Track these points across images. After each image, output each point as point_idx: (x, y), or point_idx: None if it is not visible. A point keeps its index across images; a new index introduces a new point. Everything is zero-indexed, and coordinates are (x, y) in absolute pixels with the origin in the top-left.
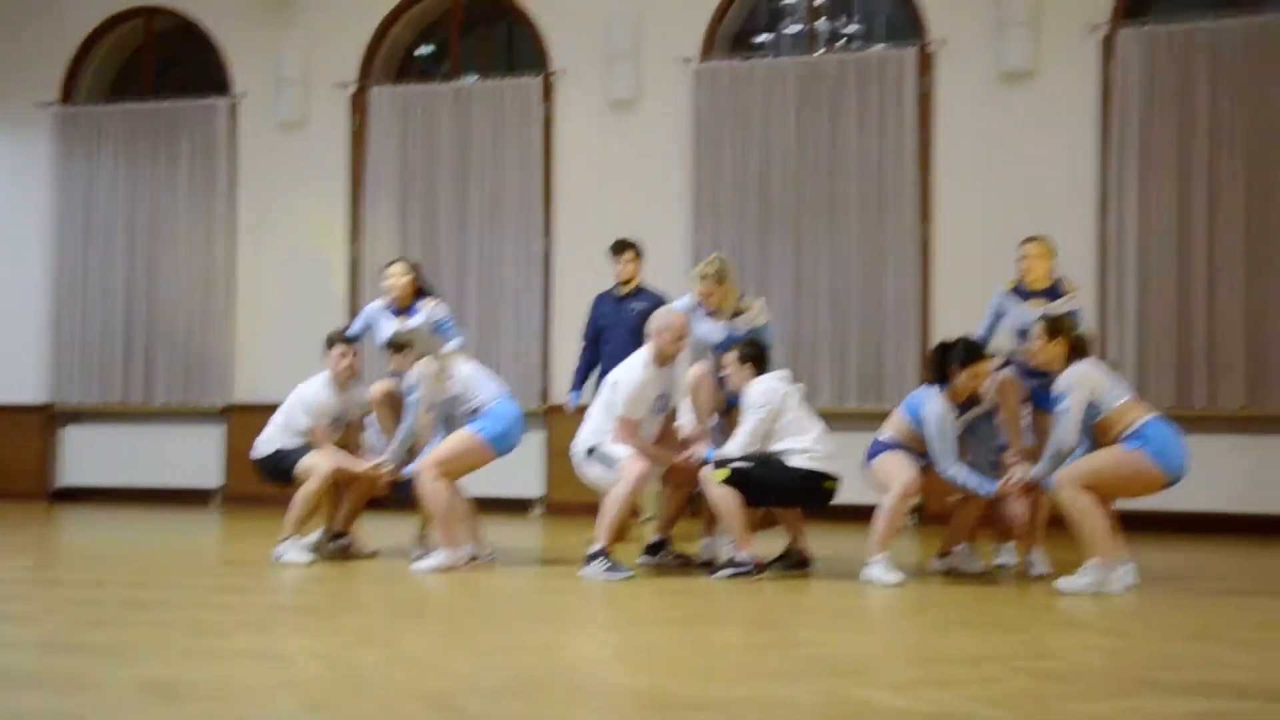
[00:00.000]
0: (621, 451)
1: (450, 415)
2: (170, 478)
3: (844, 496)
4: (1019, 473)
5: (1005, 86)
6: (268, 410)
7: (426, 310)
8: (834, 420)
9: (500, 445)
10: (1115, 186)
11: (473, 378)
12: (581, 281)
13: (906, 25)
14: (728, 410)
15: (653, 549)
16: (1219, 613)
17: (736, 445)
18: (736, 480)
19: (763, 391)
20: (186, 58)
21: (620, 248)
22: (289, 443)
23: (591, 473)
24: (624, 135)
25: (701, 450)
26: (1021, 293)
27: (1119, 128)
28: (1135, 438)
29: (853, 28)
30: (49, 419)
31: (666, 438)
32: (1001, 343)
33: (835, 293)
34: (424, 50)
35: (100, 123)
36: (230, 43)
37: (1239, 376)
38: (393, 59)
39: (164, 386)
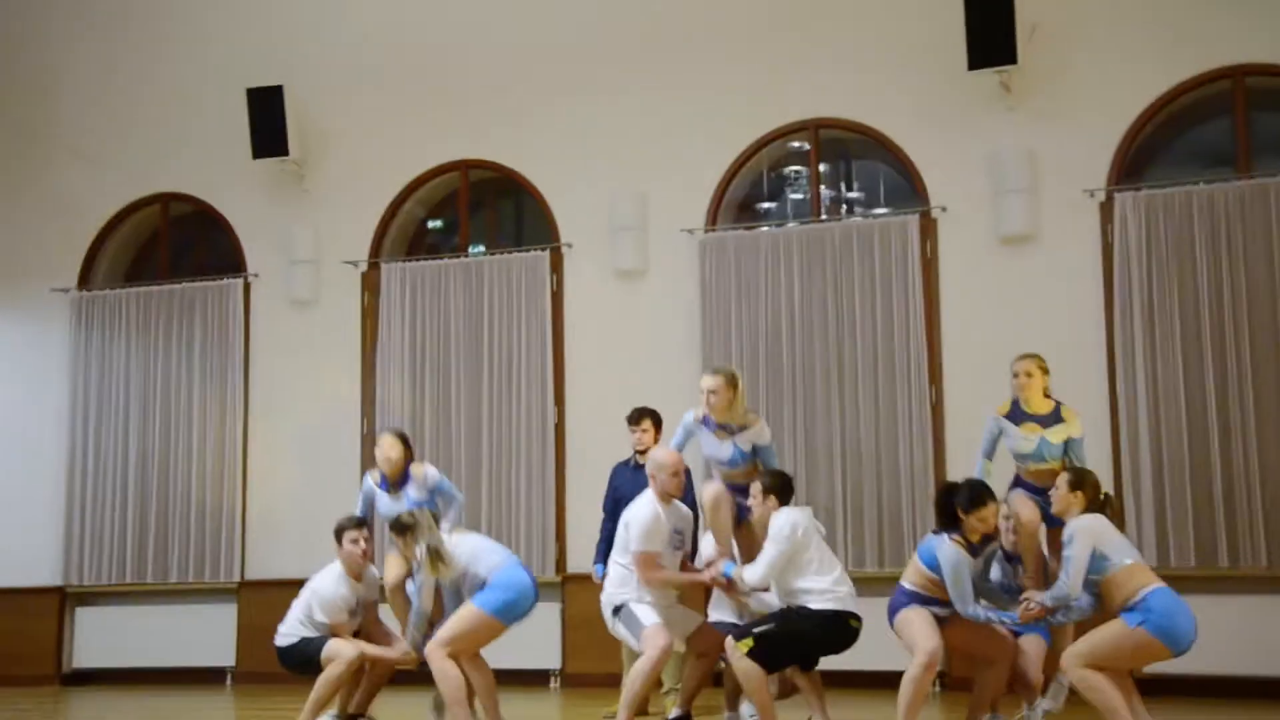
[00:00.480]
0: (647, 618)
1: (459, 590)
2: (184, 657)
3: (863, 662)
4: (1036, 597)
5: (1007, 250)
6: (280, 586)
7: (420, 478)
8: (868, 586)
9: (508, 615)
10: (1122, 347)
11: (475, 551)
12: (594, 450)
13: (908, 192)
14: (738, 523)
15: None
16: None
17: (758, 573)
18: (761, 646)
19: (787, 524)
20: (202, 241)
21: (638, 416)
22: (310, 632)
23: (618, 632)
24: (632, 305)
25: (721, 566)
26: (1017, 416)
27: (1121, 289)
28: (1138, 610)
29: (854, 194)
30: (62, 600)
31: (685, 571)
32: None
33: (848, 456)
34: (434, 225)
35: (116, 306)
36: (244, 225)
37: (1260, 535)
38: (403, 236)
39: (177, 565)
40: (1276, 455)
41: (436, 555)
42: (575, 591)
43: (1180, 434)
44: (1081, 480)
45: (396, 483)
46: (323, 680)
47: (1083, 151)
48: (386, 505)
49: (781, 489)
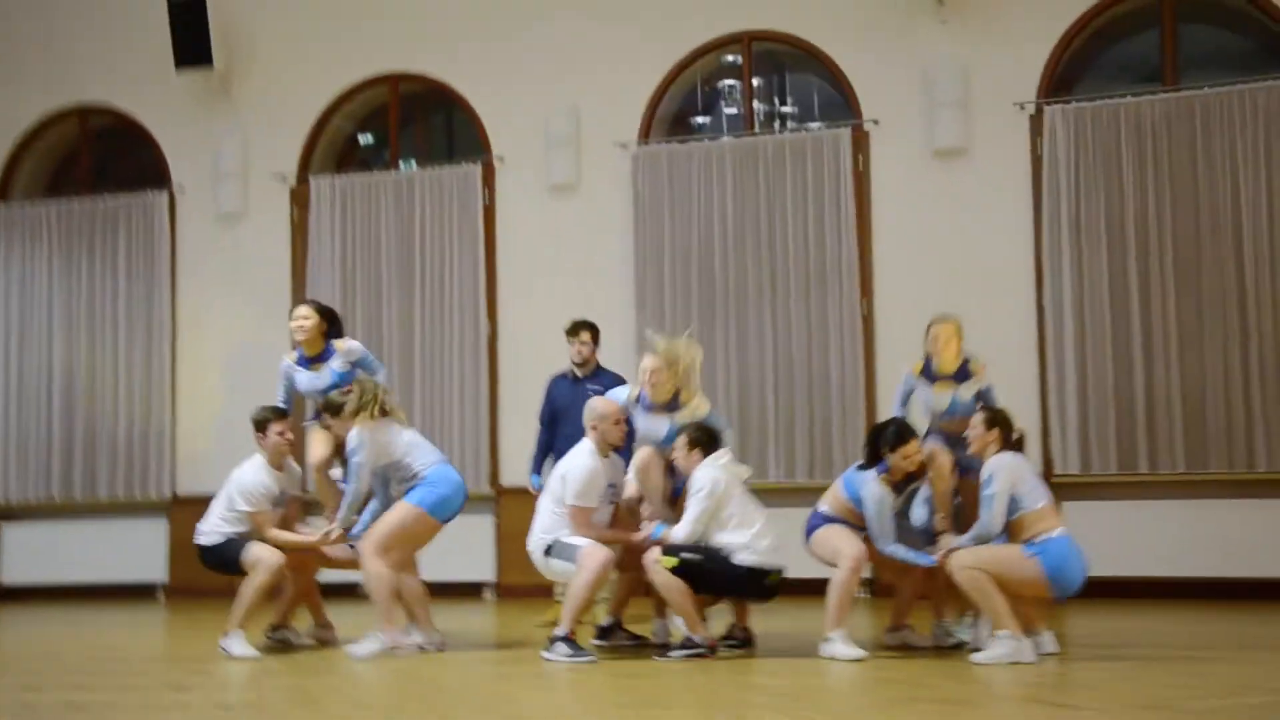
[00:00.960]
0: (580, 541)
1: (388, 480)
2: (114, 573)
3: (791, 572)
4: (947, 541)
5: (938, 163)
6: (211, 501)
7: (343, 353)
8: (783, 496)
9: (442, 513)
10: (1049, 258)
11: (412, 443)
12: (527, 363)
13: (841, 106)
14: (675, 498)
15: (605, 631)
16: (1168, 682)
17: (683, 532)
18: (683, 570)
19: (707, 480)
20: (125, 154)
21: (576, 329)
22: (232, 530)
23: (553, 568)
24: (565, 219)
25: (651, 527)
26: (930, 375)
27: (1050, 201)
28: (1038, 547)
29: (788, 108)
30: None
31: (618, 523)
32: (915, 420)
33: (780, 369)
34: (364, 140)
35: (37, 220)
36: (168, 137)
37: (1179, 442)
38: (333, 150)
39: (105, 481)
40: (1197, 364)
41: (385, 410)
42: (509, 504)
43: (1104, 343)
44: (996, 418)
45: (316, 357)
46: (246, 589)
47: (1013, 65)
48: (308, 381)
49: (706, 442)
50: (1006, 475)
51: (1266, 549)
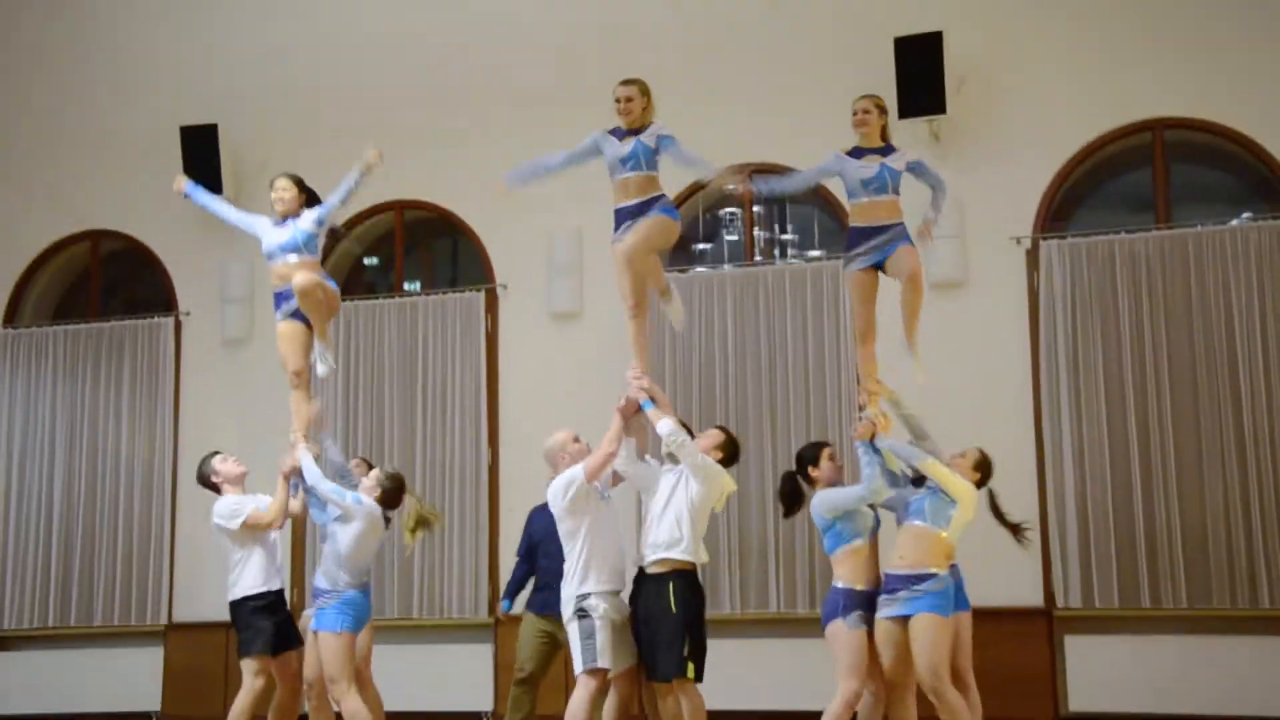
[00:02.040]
0: (600, 652)
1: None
2: (108, 702)
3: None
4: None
5: (935, 295)
6: (207, 629)
7: (309, 216)
8: (784, 626)
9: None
10: (1047, 391)
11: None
12: (527, 492)
13: (839, 235)
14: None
15: None
16: None
17: (668, 426)
18: (698, 661)
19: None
20: (133, 278)
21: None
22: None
23: (570, 633)
24: (566, 347)
25: (644, 398)
26: (858, 152)
27: (1046, 334)
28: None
29: (788, 236)
30: None
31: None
32: None
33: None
34: (370, 262)
35: (44, 344)
36: (176, 262)
37: (1180, 577)
38: (338, 275)
39: (102, 608)
40: (1197, 499)
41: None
42: (508, 634)
43: (1104, 477)
44: (987, 465)
45: (287, 218)
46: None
47: (1009, 199)
48: (274, 237)
49: (729, 453)
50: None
51: (1270, 686)
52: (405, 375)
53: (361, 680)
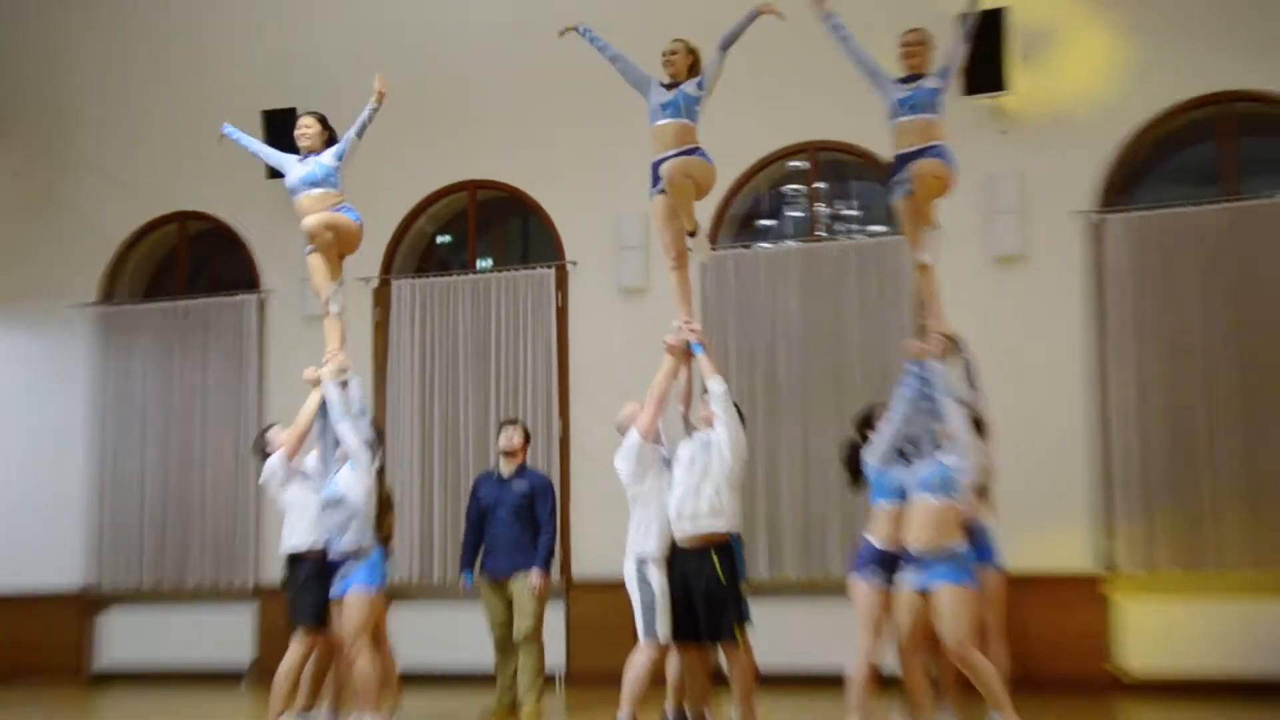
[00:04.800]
0: (660, 623)
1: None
2: (204, 657)
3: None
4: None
5: (998, 270)
6: None
7: (330, 152)
8: (846, 592)
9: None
10: (1113, 363)
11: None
12: (597, 461)
13: None
14: None
15: None
16: None
17: (718, 380)
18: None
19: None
20: (218, 258)
21: (508, 421)
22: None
23: (630, 587)
24: (634, 321)
25: (693, 339)
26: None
27: (1111, 308)
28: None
29: (851, 212)
30: (86, 603)
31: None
32: None
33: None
34: (443, 239)
35: (136, 320)
36: (259, 242)
37: (1242, 543)
38: (414, 252)
39: (196, 569)
40: (1261, 467)
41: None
42: (579, 595)
43: (1167, 449)
44: (979, 425)
45: (311, 154)
46: (278, 673)
47: (1070, 174)
48: (300, 171)
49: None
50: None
51: None
52: (478, 350)
53: (380, 636)
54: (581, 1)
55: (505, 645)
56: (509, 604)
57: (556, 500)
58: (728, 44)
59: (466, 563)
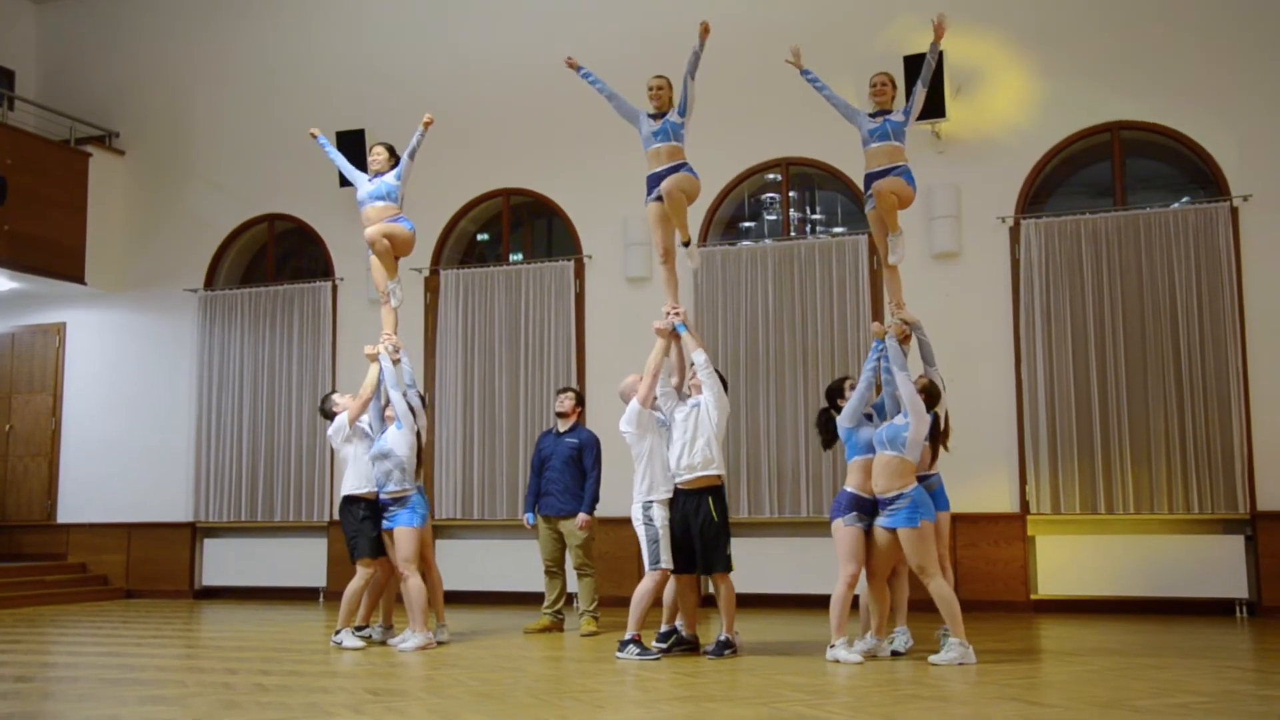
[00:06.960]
0: (662, 554)
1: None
2: (286, 579)
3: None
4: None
5: (936, 264)
6: None
7: (392, 173)
8: (813, 529)
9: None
10: (1025, 343)
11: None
12: (608, 426)
13: (858, 216)
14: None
15: (664, 637)
16: (1119, 684)
17: (701, 352)
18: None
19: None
20: (300, 251)
21: (563, 389)
22: (359, 488)
23: (638, 529)
24: (638, 305)
25: (677, 321)
26: (874, 114)
27: (1025, 297)
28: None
29: (817, 216)
30: (193, 533)
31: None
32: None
33: (810, 425)
34: (482, 237)
35: (233, 303)
36: (333, 239)
37: (1129, 488)
38: (458, 248)
39: (280, 506)
40: (1144, 427)
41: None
42: (601, 532)
43: (1070, 409)
44: (931, 391)
45: (378, 175)
46: (346, 593)
47: (996, 187)
48: (369, 188)
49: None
50: (920, 417)
51: (1196, 574)
52: (511, 331)
53: (427, 562)
54: (591, 46)
55: (553, 573)
56: (559, 539)
57: (600, 451)
58: (692, 70)
59: (530, 505)
